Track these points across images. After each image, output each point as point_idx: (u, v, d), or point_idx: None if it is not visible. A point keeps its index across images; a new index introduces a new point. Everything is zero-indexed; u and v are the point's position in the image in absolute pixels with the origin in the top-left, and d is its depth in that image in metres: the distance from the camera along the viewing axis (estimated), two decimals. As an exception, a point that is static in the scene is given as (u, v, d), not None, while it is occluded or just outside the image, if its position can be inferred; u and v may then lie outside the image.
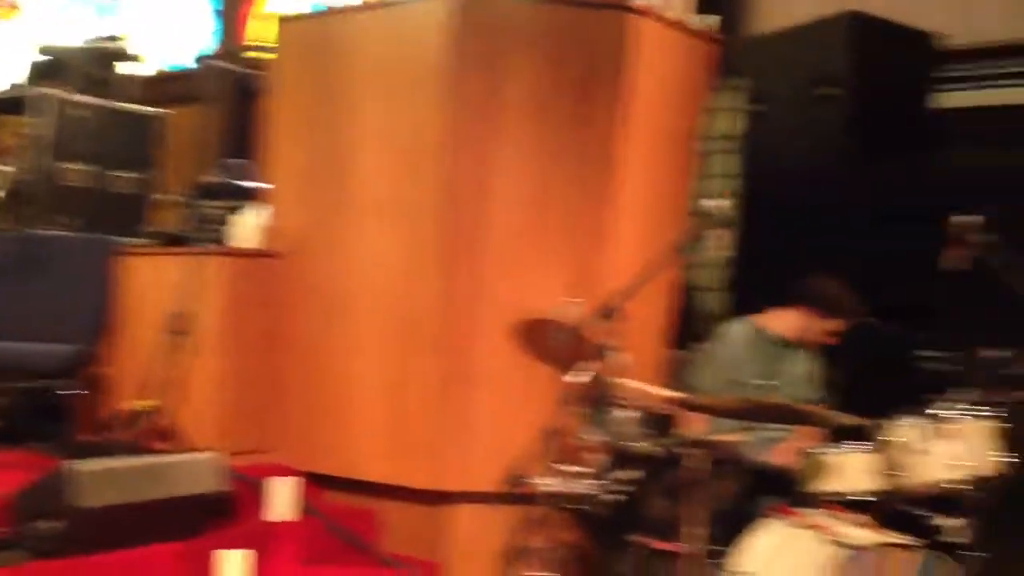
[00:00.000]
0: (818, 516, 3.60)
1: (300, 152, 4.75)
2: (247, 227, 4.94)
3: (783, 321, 4.42)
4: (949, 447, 3.55)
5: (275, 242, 4.77)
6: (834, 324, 4.33)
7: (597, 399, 3.83)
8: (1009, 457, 3.61)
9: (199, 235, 5.03)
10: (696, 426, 4.10)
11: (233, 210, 5.02)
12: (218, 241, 4.94)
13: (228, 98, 7.08)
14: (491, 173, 4.32)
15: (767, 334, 4.42)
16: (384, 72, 4.47)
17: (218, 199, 5.20)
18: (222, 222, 5.11)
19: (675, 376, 4.76)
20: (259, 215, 4.93)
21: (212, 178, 5.63)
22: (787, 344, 4.42)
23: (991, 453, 3.59)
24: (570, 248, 4.42)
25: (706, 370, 4.39)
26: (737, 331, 4.44)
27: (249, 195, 5.15)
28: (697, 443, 3.59)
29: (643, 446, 3.80)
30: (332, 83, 4.62)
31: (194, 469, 3.96)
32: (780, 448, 4.16)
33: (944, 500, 3.59)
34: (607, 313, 3.63)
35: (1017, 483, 3.67)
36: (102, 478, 3.71)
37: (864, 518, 3.61)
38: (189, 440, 4.34)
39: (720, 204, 3.81)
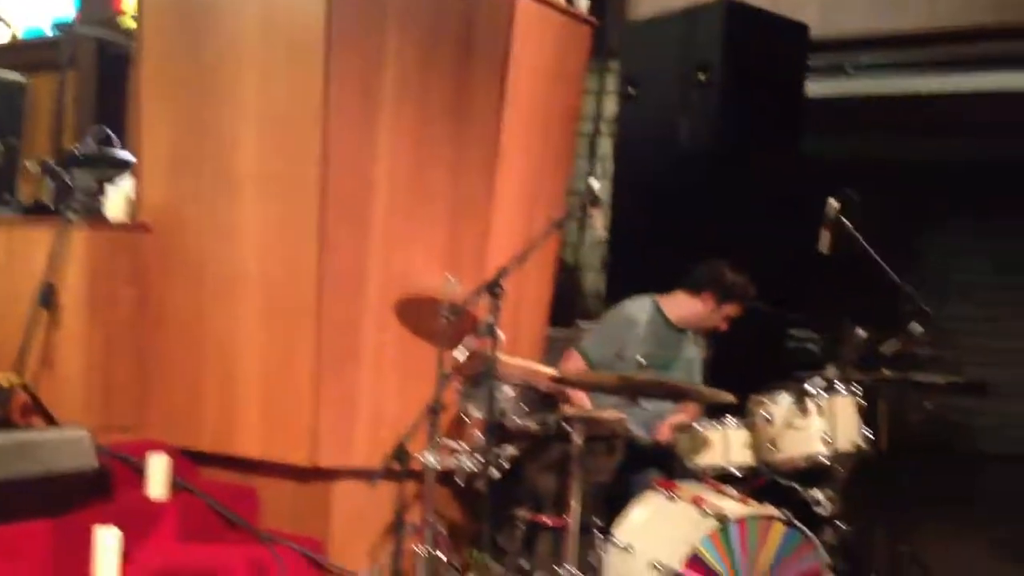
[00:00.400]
0: (695, 489, 3.71)
1: (169, 122, 4.60)
2: (119, 199, 4.79)
3: (679, 305, 4.50)
4: (818, 423, 3.69)
5: (143, 214, 4.64)
6: (732, 309, 4.43)
7: (479, 376, 3.86)
8: (870, 433, 3.78)
9: (67, 206, 4.84)
10: (582, 402, 4.16)
11: (108, 181, 4.85)
12: (92, 212, 4.79)
13: (94, 65, 6.85)
14: (371, 148, 4.28)
15: (666, 316, 4.49)
16: (259, 43, 4.35)
17: (90, 169, 5.01)
18: (95, 193, 4.94)
19: (555, 353, 4.82)
20: (128, 186, 4.79)
21: (83, 147, 5.43)
22: (681, 329, 4.51)
23: (855, 429, 3.75)
24: (451, 225, 4.42)
25: (601, 345, 4.43)
26: (638, 309, 4.49)
27: (125, 166, 4.98)
28: (579, 419, 3.65)
29: (525, 422, 3.85)
30: (203, 53, 4.48)
31: (63, 446, 3.81)
32: (661, 424, 4.26)
33: (813, 473, 3.74)
34: (488, 290, 3.64)
35: (876, 457, 3.84)
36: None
37: (737, 491, 3.73)
38: (58, 416, 4.19)
39: (598, 185, 3.85)
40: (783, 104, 5.70)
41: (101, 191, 4.88)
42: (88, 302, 4.40)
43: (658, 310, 4.48)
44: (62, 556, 3.65)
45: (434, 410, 3.74)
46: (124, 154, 5.16)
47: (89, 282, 4.40)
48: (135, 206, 4.67)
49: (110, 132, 5.39)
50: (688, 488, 3.71)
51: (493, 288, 3.62)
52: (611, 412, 4.03)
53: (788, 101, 5.76)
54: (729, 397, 3.83)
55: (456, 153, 4.40)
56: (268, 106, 4.34)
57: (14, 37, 5.89)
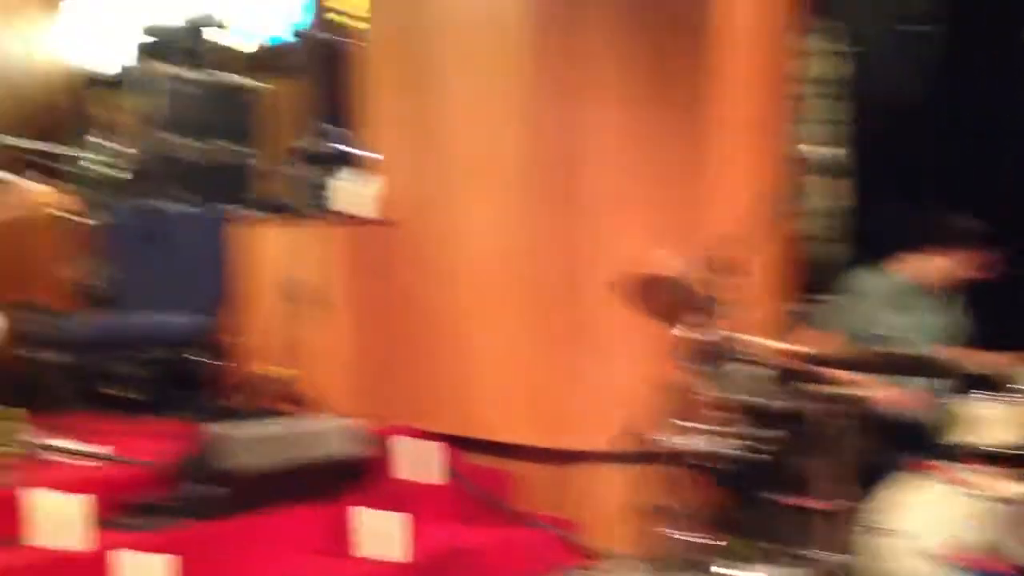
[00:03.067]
0: (959, 470, 3.58)
1: (399, 121, 4.79)
2: (354, 193, 5.00)
3: (916, 266, 4.34)
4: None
5: (388, 210, 4.83)
6: (970, 256, 4.23)
7: (714, 354, 3.84)
8: None
9: (303, 203, 5.10)
10: (843, 379, 4.05)
11: (331, 175, 5.07)
12: (322, 208, 5.01)
13: (320, 66, 7.10)
14: (579, 130, 4.33)
15: (901, 282, 4.34)
16: (469, 36, 4.50)
17: (315, 165, 5.25)
18: (321, 187, 5.17)
19: (793, 328, 4.75)
20: (365, 182, 4.98)
21: (308, 144, 5.67)
22: (923, 291, 4.34)
23: None
24: (669, 199, 4.39)
25: (836, 322, 4.32)
26: (869, 281, 4.34)
27: (347, 160, 5.20)
28: (832, 397, 3.59)
29: (775, 402, 3.79)
30: (421, 50, 4.65)
31: (336, 433, 4.09)
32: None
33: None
34: (714, 265, 3.62)
35: None
36: (255, 443, 3.86)
37: (1001, 471, 3.59)
38: (319, 405, 4.43)
39: (818, 150, 3.73)
40: (1008, 48, 5.41)
41: (333, 186, 5.11)
42: (341, 295, 4.64)
43: (890, 277, 4.34)
44: (331, 540, 3.90)
45: (673, 390, 3.75)
46: (352, 149, 5.37)
47: (343, 277, 4.64)
48: (380, 203, 4.85)
49: (337, 128, 5.63)
50: (951, 469, 3.58)
51: (720, 262, 3.60)
52: (869, 388, 3.92)
53: (1013, 44, 5.46)
54: (990, 369, 3.67)
55: (667, 123, 4.37)
56: (475, 94, 4.48)
57: (260, 46, 6.30)
